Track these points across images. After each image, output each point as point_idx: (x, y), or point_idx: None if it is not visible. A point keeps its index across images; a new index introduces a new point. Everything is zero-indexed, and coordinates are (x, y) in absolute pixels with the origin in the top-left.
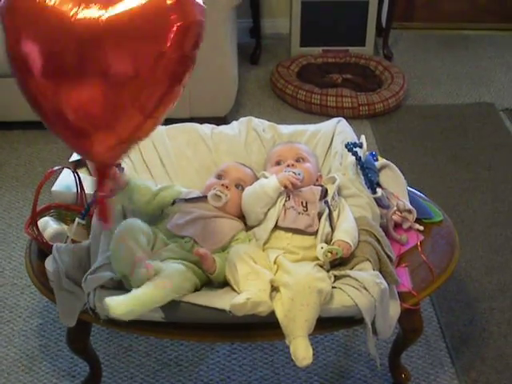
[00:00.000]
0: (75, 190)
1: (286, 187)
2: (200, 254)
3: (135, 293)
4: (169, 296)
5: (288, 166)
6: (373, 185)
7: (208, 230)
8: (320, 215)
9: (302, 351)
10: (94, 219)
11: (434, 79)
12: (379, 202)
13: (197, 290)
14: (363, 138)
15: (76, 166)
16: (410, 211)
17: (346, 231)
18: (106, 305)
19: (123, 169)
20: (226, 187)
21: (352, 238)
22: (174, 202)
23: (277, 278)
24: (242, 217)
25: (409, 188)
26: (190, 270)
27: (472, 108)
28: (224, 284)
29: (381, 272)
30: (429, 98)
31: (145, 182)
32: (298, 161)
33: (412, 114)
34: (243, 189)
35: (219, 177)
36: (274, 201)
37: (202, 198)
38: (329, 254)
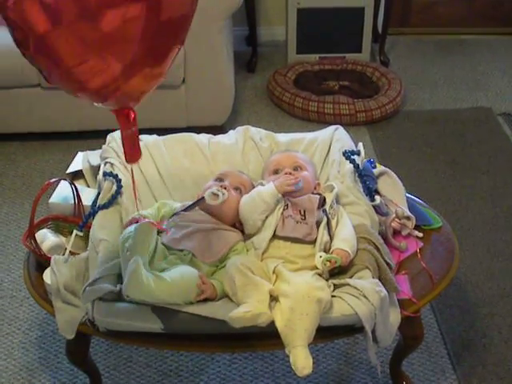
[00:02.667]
0: (73, 202)
1: (283, 194)
2: (201, 290)
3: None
4: (179, 295)
5: (286, 174)
6: (371, 192)
7: (205, 243)
8: (318, 224)
9: (301, 361)
10: (92, 231)
11: (431, 84)
12: (378, 209)
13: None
14: (361, 145)
15: (73, 178)
16: (408, 218)
17: (345, 239)
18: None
19: (121, 186)
20: (225, 188)
21: (351, 247)
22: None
23: (276, 287)
24: (239, 224)
25: (407, 194)
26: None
27: (469, 112)
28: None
29: (380, 280)
30: (426, 103)
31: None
32: (295, 169)
33: (409, 119)
34: (241, 192)
35: (219, 180)
36: (271, 207)
37: (199, 202)
38: (327, 262)
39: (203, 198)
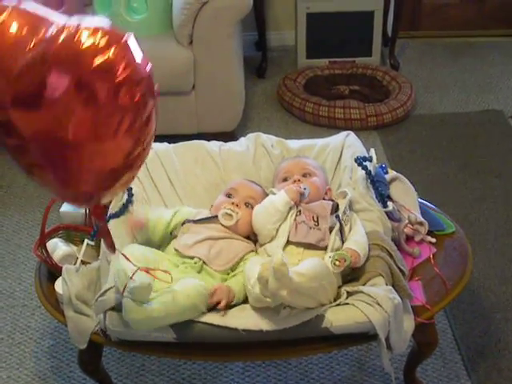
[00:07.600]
0: (84, 211)
1: (295, 201)
2: (216, 300)
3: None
4: (185, 314)
5: (294, 181)
6: (383, 198)
7: (217, 251)
8: (331, 230)
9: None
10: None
11: (441, 88)
12: (390, 215)
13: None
14: (373, 151)
15: None
16: (421, 223)
17: (356, 242)
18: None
19: (132, 194)
20: (237, 205)
21: (361, 249)
22: (183, 223)
23: None
24: (252, 235)
25: (420, 200)
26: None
27: (480, 115)
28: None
29: (394, 286)
30: (437, 106)
31: (158, 214)
32: (304, 176)
33: (420, 123)
34: (253, 207)
35: (228, 195)
36: (284, 215)
37: (212, 219)
38: (337, 262)
39: (216, 216)
